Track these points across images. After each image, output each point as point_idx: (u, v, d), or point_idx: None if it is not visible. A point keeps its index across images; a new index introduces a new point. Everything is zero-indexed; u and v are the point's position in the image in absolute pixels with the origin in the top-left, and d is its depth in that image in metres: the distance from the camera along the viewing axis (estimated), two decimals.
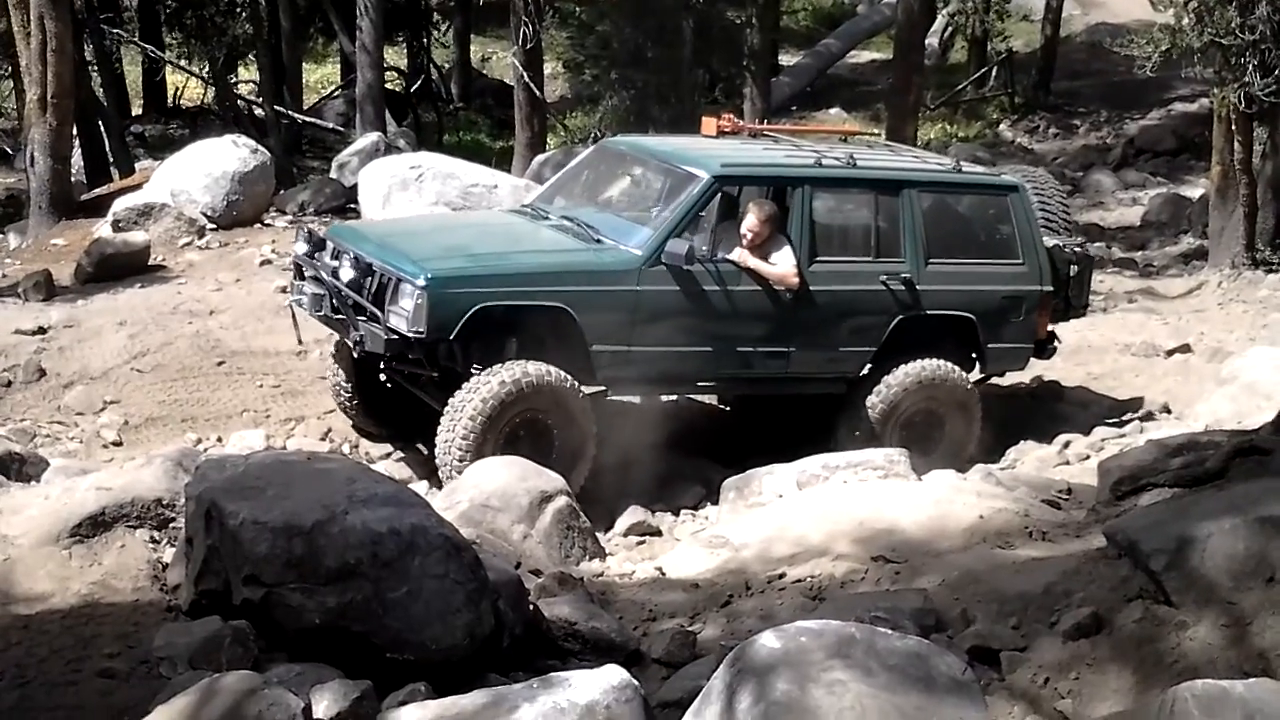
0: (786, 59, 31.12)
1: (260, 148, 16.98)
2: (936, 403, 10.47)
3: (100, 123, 21.78)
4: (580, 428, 9.59)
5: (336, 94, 29.09)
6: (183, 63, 27.37)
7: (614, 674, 5.22)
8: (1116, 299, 15.22)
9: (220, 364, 11.84)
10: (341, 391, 10.81)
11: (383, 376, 10.54)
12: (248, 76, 28.93)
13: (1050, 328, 11.08)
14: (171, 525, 7.13)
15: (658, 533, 9.43)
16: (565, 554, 8.23)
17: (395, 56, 29.16)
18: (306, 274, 10.28)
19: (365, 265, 9.67)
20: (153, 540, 7.05)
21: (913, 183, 10.47)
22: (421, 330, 9.24)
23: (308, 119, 26.30)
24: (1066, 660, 5.78)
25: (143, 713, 5.30)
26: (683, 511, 9.97)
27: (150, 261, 14.59)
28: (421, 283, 9.20)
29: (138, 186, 16.95)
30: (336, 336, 10.38)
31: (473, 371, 9.45)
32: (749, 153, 10.69)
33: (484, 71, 32.33)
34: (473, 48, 31.96)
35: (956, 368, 10.51)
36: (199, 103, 29.20)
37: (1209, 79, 16.34)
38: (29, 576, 6.69)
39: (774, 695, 5.00)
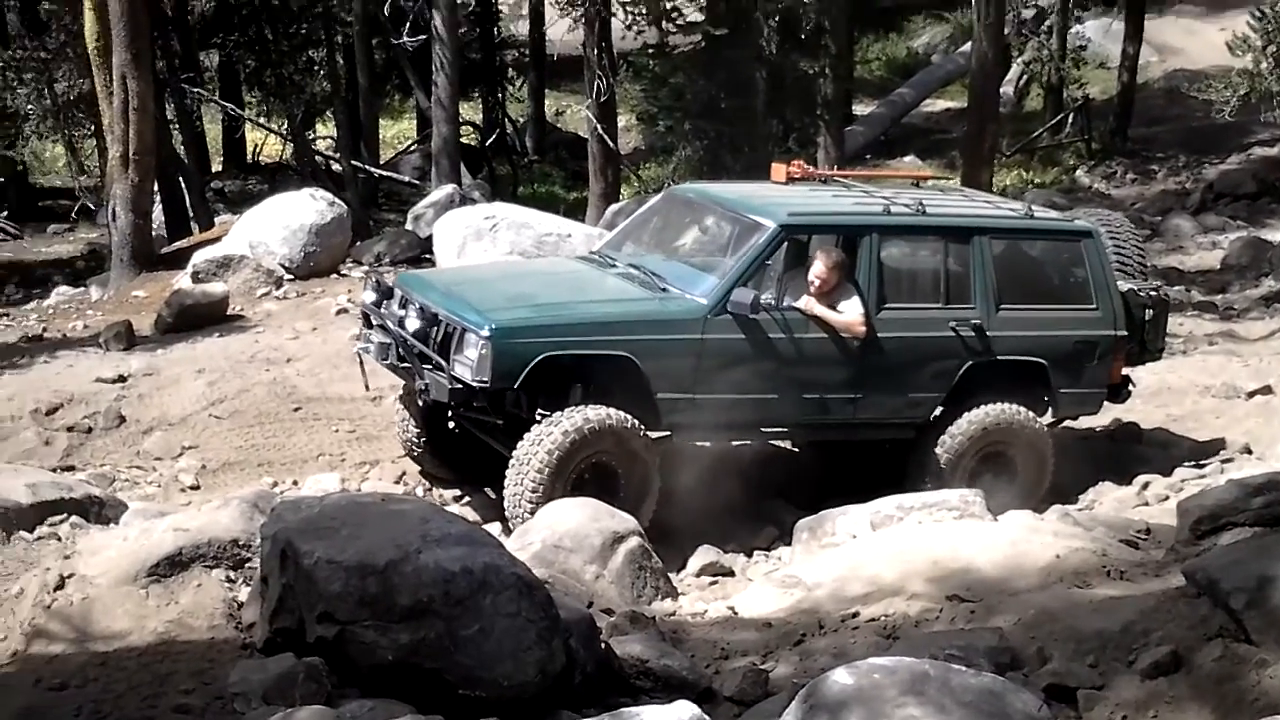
0: (860, 108, 31.12)
1: (337, 200, 17.15)
2: (1007, 446, 10.35)
3: (181, 179, 22.12)
4: (644, 466, 9.56)
5: (412, 149, 29.41)
6: (262, 120, 27.77)
7: (685, 709, 5.20)
8: (1196, 342, 15.03)
9: (296, 410, 11.94)
10: (410, 437, 10.87)
11: (450, 424, 10.57)
12: (325, 132, 29.32)
13: (1125, 372, 10.95)
14: (247, 565, 7.21)
15: (730, 573, 9.38)
16: (637, 594, 8.23)
17: (470, 111, 29.47)
18: (374, 322, 10.33)
19: (431, 315, 9.70)
20: (229, 580, 7.12)
21: (983, 229, 10.37)
22: (486, 379, 9.23)
23: (384, 173, 26.59)
24: (1145, 699, 5.72)
25: None
26: (755, 552, 9.90)
27: (229, 311, 14.75)
28: (486, 333, 9.20)
29: (217, 239, 17.16)
30: (403, 383, 10.41)
31: (538, 417, 9.45)
32: (817, 200, 10.65)
33: (558, 125, 32.59)
34: (547, 102, 32.22)
35: (1028, 411, 10.38)
36: (277, 159, 29.63)
37: None
38: (107, 615, 6.77)
39: None
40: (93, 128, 22.17)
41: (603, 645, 6.66)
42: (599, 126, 20.43)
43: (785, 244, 10.07)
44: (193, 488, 10.69)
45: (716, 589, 8.96)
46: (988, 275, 10.24)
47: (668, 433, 9.96)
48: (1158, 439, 11.65)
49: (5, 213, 27.28)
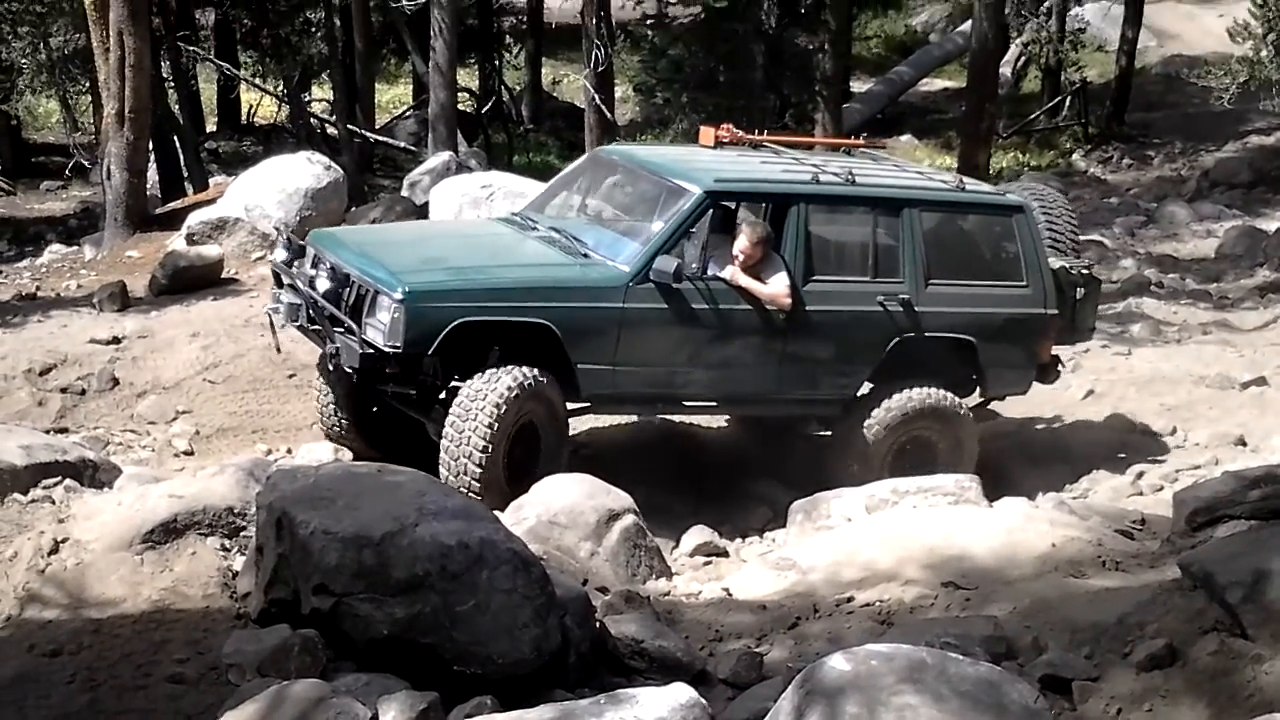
0: (858, 86, 31.07)
1: (333, 165, 17.09)
2: (931, 431, 10.20)
3: (175, 138, 22.03)
4: (561, 428, 9.40)
5: (408, 114, 29.28)
6: (257, 81, 27.59)
7: (682, 692, 5.20)
8: (1190, 331, 15.01)
9: (291, 376, 11.89)
10: (328, 412, 10.37)
11: (371, 405, 10.20)
12: (321, 95, 29.18)
13: (1054, 351, 10.85)
14: (242, 534, 7.18)
15: (724, 554, 9.33)
16: (632, 572, 8.20)
17: (467, 78, 29.33)
18: (284, 282, 9.91)
19: (343, 276, 9.33)
20: (223, 548, 7.10)
21: (913, 201, 10.15)
22: (398, 345, 8.92)
23: (380, 138, 26.45)
24: (1140, 692, 5.71)
25: (211, 718, 5.33)
26: (750, 533, 9.87)
27: (223, 275, 14.72)
28: (399, 296, 8.89)
29: (212, 201, 17.09)
30: (319, 352, 9.99)
31: (453, 385, 9.21)
32: (744, 166, 10.36)
33: (555, 94, 32.47)
34: (544, 70, 32.09)
35: (952, 395, 10.22)
36: (272, 120, 29.50)
37: None
38: (101, 581, 6.75)
39: (843, 718, 4.95)
40: (88, 84, 22.05)
41: (597, 624, 6.64)
42: (596, 97, 20.37)
43: (710, 211, 9.81)
44: (186, 453, 10.67)
45: (711, 569, 8.92)
46: (917, 249, 10.04)
47: (586, 404, 9.75)
48: (1152, 429, 11.65)
49: None
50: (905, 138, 28.08)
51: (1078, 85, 28.41)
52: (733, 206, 10.16)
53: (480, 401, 8.97)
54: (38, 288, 15.17)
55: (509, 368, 9.07)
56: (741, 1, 21.37)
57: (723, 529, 9.74)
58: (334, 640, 6.05)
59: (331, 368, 9.61)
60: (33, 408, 11.40)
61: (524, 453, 9.13)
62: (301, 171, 16.42)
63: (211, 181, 21.39)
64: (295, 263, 9.97)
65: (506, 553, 6.21)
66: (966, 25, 27.17)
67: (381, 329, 8.96)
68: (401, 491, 6.52)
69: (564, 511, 8.30)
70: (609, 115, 20.73)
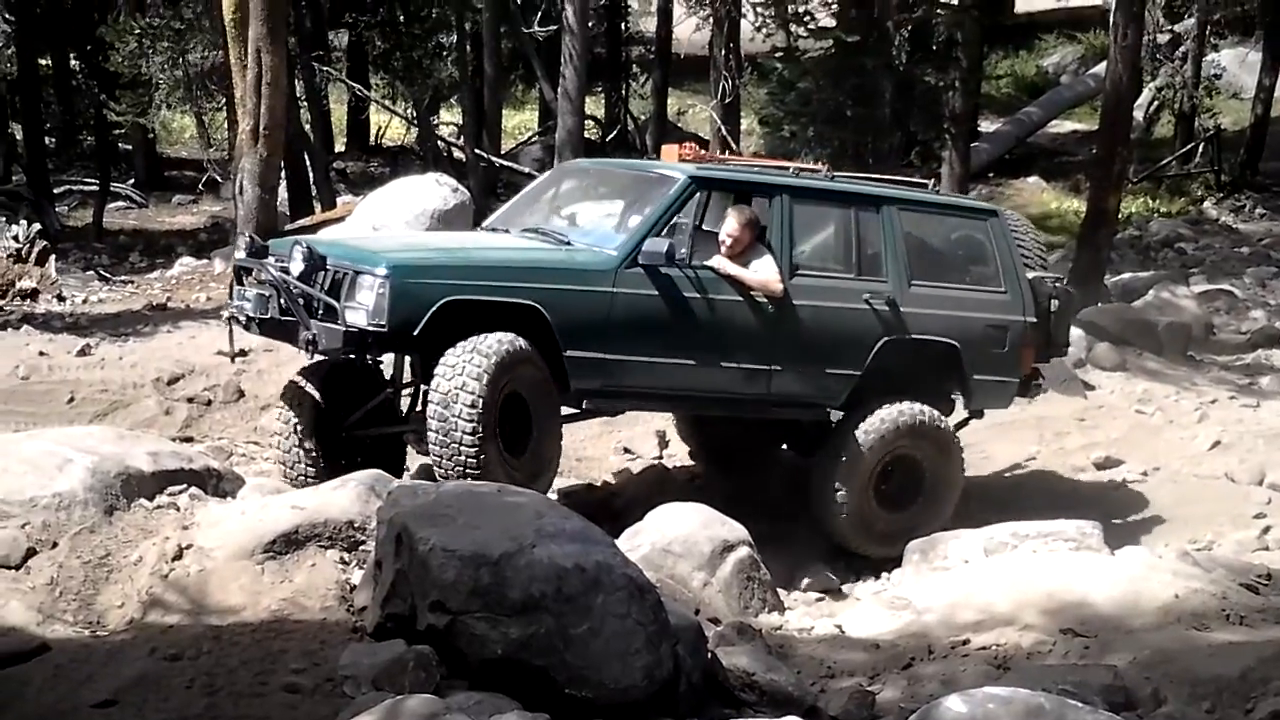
0: (986, 125, 30.83)
1: (461, 187, 17.24)
2: (917, 450, 10.00)
3: (306, 156, 22.37)
4: (552, 405, 9.03)
5: (533, 140, 29.54)
6: (387, 103, 27.96)
7: None
8: None
9: None
10: (293, 451, 9.53)
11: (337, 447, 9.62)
12: (449, 119, 29.48)
13: (1034, 365, 10.67)
14: (361, 548, 7.25)
15: (838, 591, 9.32)
16: (744, 605, 8.19)
17: (593, 106, 29.48)
18: (247, 279, 9.37)
19: (319, 258, 8.82)
20: (342, 561, 7.17)
21: (891, 199, 10.17)
22: (383, 323, 8.46)
23: (505, 163, 26.68)
24: None
25: None
26: (864, 571, 9.81)
27: None
28: (383, 272, 8.48)
29: (340, 219, 17.30)
30: (288, 380, 9.81)
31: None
32: (723, 168, 10.46)
33: (679, 125, 32.54)
34: (669, 100, 32.19)
35: (940, 415, 10.09)
36: (400, 142, 29.86)
37: None
38: (222, 589, 6.85)
39: None
40: (222, 100, 22.41)
41: (709, 655, 6.62)
42: (722, 128, 20.39)
43: (695, 197, 9.56)
44: None
45: (823, 606, 8.91)
46: (899, 248, 10.01)
47: (576, 409, 9.41)
48: (1278, 483, 11.40)
49: (132, 180, 27.77)
50: (1033, 179, 27.81)
51: (1211, 132, 27.96)
52: (710, 199, 9.87)
53: (461, 366, 8.47)
54: (168, 299, 15.47)
55: (485, 335, 8.63)
56: (873, 36, 21.23)
57: (836, 565, 9.71)
58: (448, 658, 6.08)
59: (308, 353, 9.19)
60: (160, 416, 11.63)
61: (514, 429, 8.77)
62: (430, 193, 16.55)
63: (339, 200, 21.69)
64: (259, 258, 9.41)
65: (622, 578, 6.22)
66: (1099, 67, 26.85)
67: (364, 309, 8.55)
68: (521, 512, 6.56)
69: (679, 540, 8.31)
70: (734, 147, 20.74)
